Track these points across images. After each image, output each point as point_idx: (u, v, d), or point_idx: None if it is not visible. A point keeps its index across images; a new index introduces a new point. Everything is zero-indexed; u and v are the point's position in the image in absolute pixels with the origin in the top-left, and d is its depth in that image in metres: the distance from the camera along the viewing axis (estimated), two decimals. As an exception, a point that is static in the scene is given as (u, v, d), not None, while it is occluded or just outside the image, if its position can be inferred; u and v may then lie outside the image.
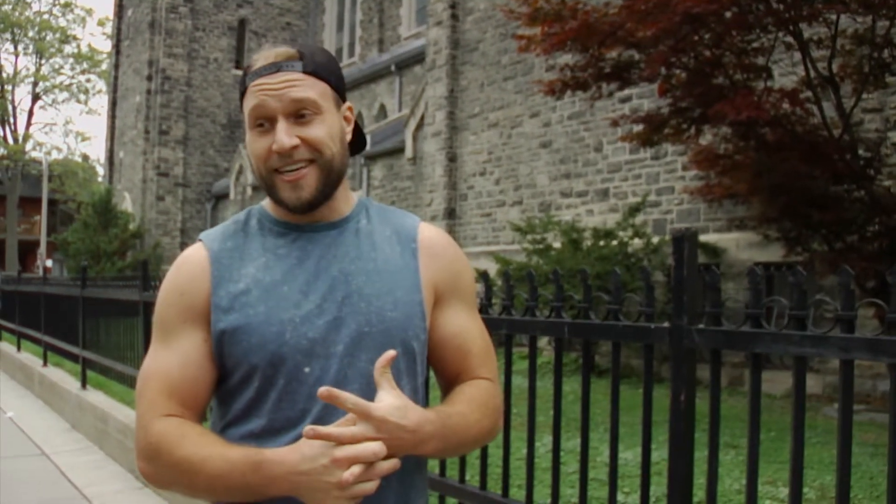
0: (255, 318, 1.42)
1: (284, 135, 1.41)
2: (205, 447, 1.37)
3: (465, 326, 1.59)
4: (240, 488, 1.34)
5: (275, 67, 1.43)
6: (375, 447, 1.28)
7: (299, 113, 1.43)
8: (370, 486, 1.31)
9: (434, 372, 1.62)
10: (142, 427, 1.43)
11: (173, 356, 1.46)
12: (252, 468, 1.32)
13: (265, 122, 1.43)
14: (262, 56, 1.46)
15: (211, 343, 1.45)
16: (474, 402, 1.51)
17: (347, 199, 1.56)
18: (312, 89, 1.44)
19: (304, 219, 1.51)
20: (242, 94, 1.48)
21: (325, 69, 1.47)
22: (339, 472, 1.27)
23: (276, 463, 1.31)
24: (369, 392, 1.39)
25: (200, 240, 1.54)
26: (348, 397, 1.29)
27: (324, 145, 1.44)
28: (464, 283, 1.61)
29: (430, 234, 1.61)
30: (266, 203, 1.57)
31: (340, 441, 1.28)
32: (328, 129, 1.45)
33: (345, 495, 1.29)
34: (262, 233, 1.52)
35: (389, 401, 1.32)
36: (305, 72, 1.44)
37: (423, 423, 1.35)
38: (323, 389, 1.29)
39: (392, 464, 1.32)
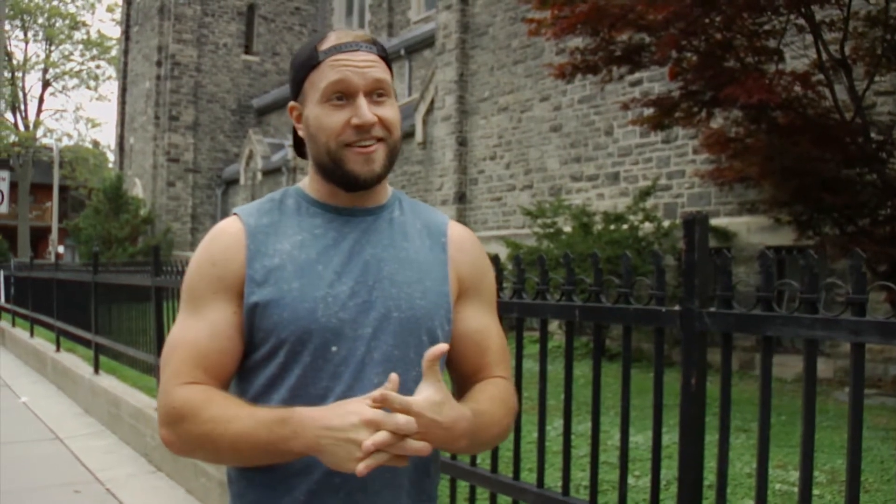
0: (289, 294, 1.44)
1: (367, 110, 1.44)
2: (232, 408, 1.38)
3: (485, 324, 1.61)
4: (264, 443, 1.33)
5: (356, 46, 1.47)
6: (402, 420, 1.28)
7: (377, 92, 1.47)
8: (386, 458, 1.29)
9: (448, 366, 1.62)
10: (165, 393, 1.44)
11: (202, 325, 1.46)
12: (280, 422, 1.32)
13: (343, 97, 1.45)
14: (336, 35, 1.49)
15: (241, 316, 1.46)
16: (496, 400, 1.52)
17: (385, 188, 1.59)
18: (385, 73, 1.49)
19: (344, 202, 1.53)
20: (311, 68, 1.48)
21: (388, 58, 1.53)
22: (366, 432, 1.26)
23: (306, 416, 1.32)
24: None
25: (236, 213, 1.54)
26: (396, 398, 1.28)
27: (394, 127, 1.49)
28: (487, 282, 1.65)
29: (459, 231, 1.65)
30: (303, 184, 1.59)
31: (384, 427, 1.28)
32: (395, 113, 1.50)
33: (364, 460, 1.27)
34: (299, 212, 1.54)
35: (428, 394, 1.32)
36: (379, 55, 1.49)
37: (458, 419, 1.35)
38: (377, 394, 1.29)
39: (422, 445, 1.30)
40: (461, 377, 1.62)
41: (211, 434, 1.37)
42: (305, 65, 1.49)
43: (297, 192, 1.57)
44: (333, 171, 1.49)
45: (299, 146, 1.59)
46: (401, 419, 1.27)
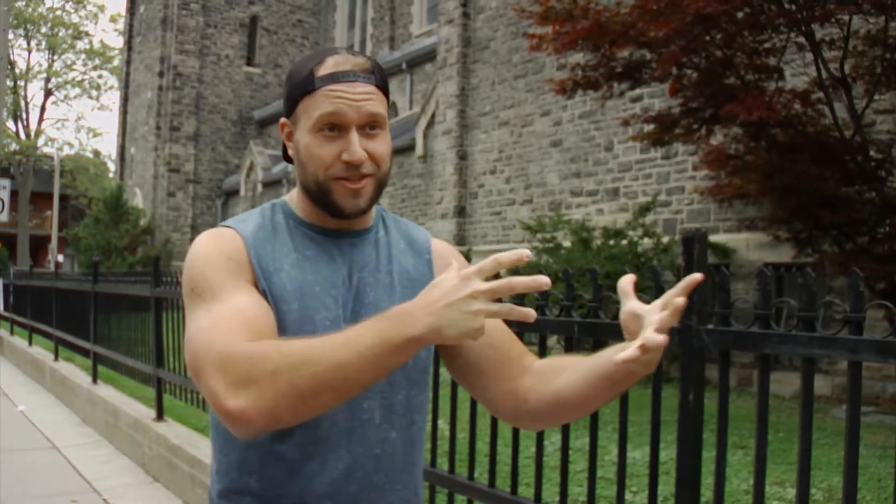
0: (290, 315, 1.41)
1: (359, 147, 1.41)
2: (308, 338, 1.27)
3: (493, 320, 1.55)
4: (371, 345, 1.20)
5: (353, 76, 1.42)
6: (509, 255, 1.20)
7: (370, 125, 1.43)
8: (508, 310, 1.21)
9: (473, 370, 1.56)
10: (222, 360, 1.25)
11: (234, 301, 1.35)
12: (384, 318, 1.22)
13: (336, 129, 1.42)
14: (334, 61, 1.43)
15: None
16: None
17: (371, 209, 1.57)
18: (381, 104, 1.45)
19: (331, 225, 1.51)
20: (306, 92, 1.44)
21: (387, 85, 1.49)
22: (477, 280, 1.19)
23: (408, 303, 1.23)
24: (380, 399, 1.44)
25: (230, 226, 1.49)
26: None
27: (384, 161, 1.46)
28: None
29: (441, 245, 1.65)
30: (290, 200, 1.56)
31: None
32: (387, 146, 1.47)
33: (489, 308, 1.19)
34: (290, 231, 1.51)
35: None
36: (376, 86, 1.45)
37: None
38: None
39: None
40: (500, 363, 1.54)
41: (305, 360, 1.21)
42: (300, 87, 1.45)
43: (284, 208, 1.55)
44: (320, 199, 1.46)
45: (289, 156, 1.54)
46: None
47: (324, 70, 1.43)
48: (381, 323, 1.21)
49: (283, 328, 1.39)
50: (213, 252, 1.42)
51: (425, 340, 1.19)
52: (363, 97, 1.42)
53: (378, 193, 1.48)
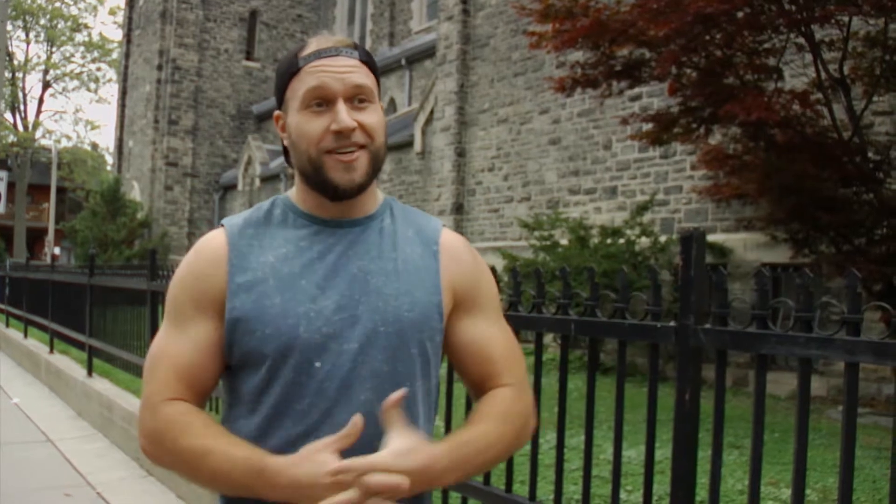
0: (271, 310, 1.41)
1: (346, 115, 1.42)
2: (208, 439, 1.38)
3: (485, 332, 1.57)
4: (239, 488, 1.36)
5: (335, 52, 1.45)
6: (387, 479, 1.28)
7: (357, 98, 1.45)
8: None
9: (460, 376, 1.62)
10: (149, 408, 1.45)
11: (185, 340, 1.47)
12: (254, 474, 1.33)
13: (322, 103, 1.44)
14: (317, 41, 1.47)
15: (222, 332, 1.45)
16: (492, 417, 1.49)
17: (374, 196, 1.56)
18: (367, 78, 1.47)
19: (331, 213, 1.50)
20: (291, 75, 1.47)
21: (374, 63, 1.51)
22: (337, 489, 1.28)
23: (277, 473, 1.32)
24: (381, 391, 1.41)
25: (222, 225, 1.53)
26: (354, 467, 1.29)
27: (376, 132, 1.46)
28: (484, 288, 1.60)
29: (452, 238, 1.61)
30: (291, 194, 1.56)
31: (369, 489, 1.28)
32: (378, 118, 1.47)
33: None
34: (286, 223, 1.51)
35: (394, 446, 1.32)
36: (361, 60, 1.47)
37: (431, 462, 1.34)
38: (337, 467, 1.30)
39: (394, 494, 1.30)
40: (470, 387, 1.60)
41: (188, 463, 1.40)
42: (286, 73, 1.48)
43: (284, 201, 1.55)
44: (314, 179, 1.46)
45: (288, 155, 1.56)
46: (382, 479, 1.28)
47: (307, 51, 1.47)
48: (252, 473, 1.33)
49: (266, 322, 1.42)
50: (187, 273, 1.51)
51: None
52: (347, 69, 1.44)
53: (374, 168, 1.48)
